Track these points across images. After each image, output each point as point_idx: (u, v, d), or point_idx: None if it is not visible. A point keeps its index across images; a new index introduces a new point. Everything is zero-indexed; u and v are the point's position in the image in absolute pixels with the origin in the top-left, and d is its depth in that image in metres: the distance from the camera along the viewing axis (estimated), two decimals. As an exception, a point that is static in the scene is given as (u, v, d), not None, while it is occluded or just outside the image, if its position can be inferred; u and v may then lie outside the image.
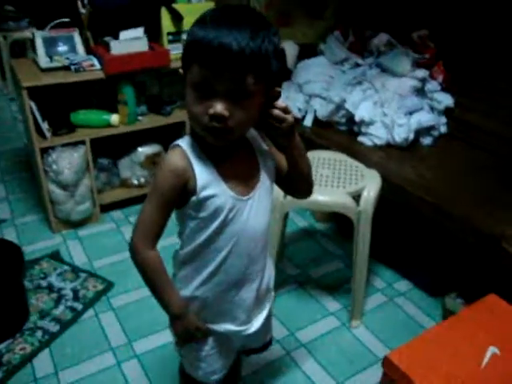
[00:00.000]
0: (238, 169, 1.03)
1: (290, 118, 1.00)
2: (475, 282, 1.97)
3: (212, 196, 0.99)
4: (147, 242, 1.02)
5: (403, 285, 2.22)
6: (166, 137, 2.65)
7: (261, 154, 1.09)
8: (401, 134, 2.17)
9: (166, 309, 1.10)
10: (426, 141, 2.31)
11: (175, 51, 2.41)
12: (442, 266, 2.13)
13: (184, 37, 2.43)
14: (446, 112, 2.40)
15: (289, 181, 1.15)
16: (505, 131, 2.23)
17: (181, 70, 0.97)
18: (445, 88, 2.41)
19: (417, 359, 1.29)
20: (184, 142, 1.01)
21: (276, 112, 0.98)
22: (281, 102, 1.00)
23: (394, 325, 1.99)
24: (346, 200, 1.73)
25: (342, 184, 1.80)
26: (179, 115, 2.58)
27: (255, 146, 1.09)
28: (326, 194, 1.73)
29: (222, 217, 1.01)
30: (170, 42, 2.43)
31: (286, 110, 0.99)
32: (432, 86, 2.36)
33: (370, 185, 1.80)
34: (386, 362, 1.31)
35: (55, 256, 2.29)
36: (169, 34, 2.42)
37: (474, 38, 2.35)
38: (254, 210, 1.06)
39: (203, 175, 0.98)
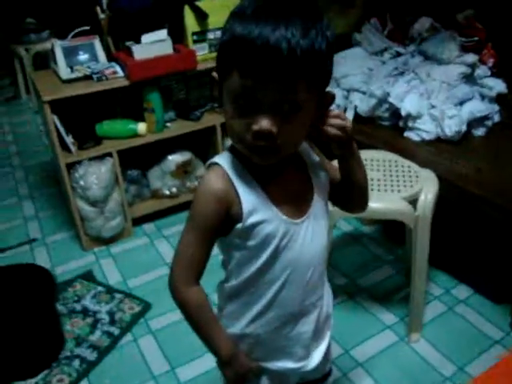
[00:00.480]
0: (289, 187, 0.89)
1: (349, 124, 0.85)
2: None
3: (261, 222, 0.84)
4: (188, 278, 0.88)
5: (462, 290, 2.02)
6: (196, 143, 2.52)
7: (312, 167, 0.94)
8: (452, 127, 1.98)
9: (214, 352, 0.95)
10: (479, 132, 2.11)
11: (201, 52, 2.27)
12: (506, 271, 1.93)
13: (210, 35, 2.29)
14: (498, 98, 2.19)
15: (342, 194, 1.00)
16: None
17: (215, 74, 0.82)
18: (495, 72, 2.20)
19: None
20: (223, 160, 0.86)
21: (334, 121, 0.84)
22: (334, 109, 0.86)
23: (458, 336, 1.81)
24: (403, 206, 1.55)
25: (396, 188, 1.62)
26: (209, 119, 2.43)
27: (305, 157, 0.94)
28: (380, 200, 1.56)
29: (273, 245, 0.86)
30: (195, 42, 2.29)
31: (341, 117, 0.85)
32: (482, 71, 2.16)
33: (427, 187, 1.63)
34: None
35: (88, 276, 2.18)
36: (194, 33, 2.27)
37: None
38: (310, 233, 0.91)
39: (249, 198, 0.84)
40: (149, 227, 2.52)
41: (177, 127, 2.40)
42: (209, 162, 0.89)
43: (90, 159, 2.20)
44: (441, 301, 1.97)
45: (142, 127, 2.27)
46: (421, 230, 1.62)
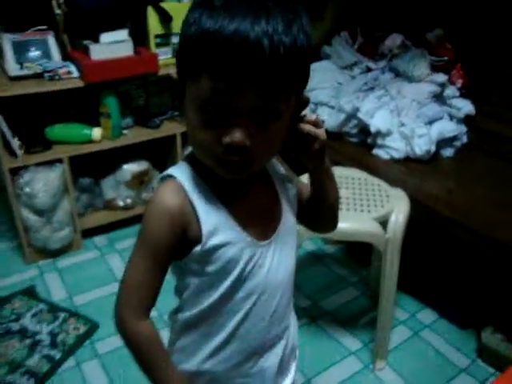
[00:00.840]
0: (255, 204, 0.78)
1: (323, 133, 0.75)
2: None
3: (223, 244, 0.72)
4: (137, 311, 0.74)
5: (428, 315, 1.96)
6: (154, 152, 2.39)
7: (279, 181, 0.83)
8: (422, 146, 1.93)
9: None
10: (447, 152, 2.07)
11: (164, 56, 2.14)
12: (473, 296, 1.88)
13: (174, 40, 2.17)
14: (466, 120, 2.16)
15: (311, 212, 0.89)
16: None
17: (173, 74, 0.70)
18: (464, 93, 2.17)
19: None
20: (180, 172, 0.74)
21: (307, 128, 0.74)
22: (309, 114, 0.75)
23: (423, 364, 1.74)
24: (374, 228, 1.47)
25: (365, 207, 1.54)
26: (169, 128, 2.30)
27: (271, 170, 0.83)
28: (349, 220, 1.47)
29: (237, 271, 0.74)
30: (158, 45, 2.16)
31: (317, 124, 0.75)
32: (451, 91, 2.12)
33: (398, 207, 1.55)
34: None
35: (29, 292, 1.98)
36: (157, 36, 2.15)
37: (494, 37, 2.12)
38: (278, 256, 0.80)
39: (210, 217, 0.72)
40: (100, 240, 2.35)
41: (134, 135, 2.25)
42: (162, 175, 0.76)
43: (38, 165, 2.02)
44: (406, 325, 1.90)
45: (96, 133, 2.11)
46: (391, 253, 1.54)
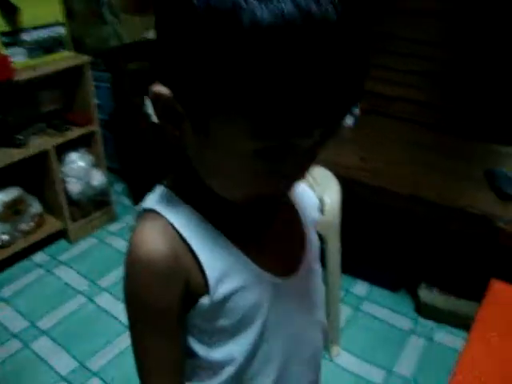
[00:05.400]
0: (274, 233, 0.59)
1: None
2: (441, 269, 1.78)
3: (237, 290, 0.54)
4: None
5: (361, 287, 1.95)
6: (26, 174, 2.01)
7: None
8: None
9: None
10: (349, 121, 2.04)
11: (18, 58, 1.76)
12: (400, 258, 1.90)
13: (25, 37, 1.79)
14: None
15: None
16: (419, 96, 2.07)
17: (163, 92, 0.47)
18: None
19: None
20: (163, 203, 0.53)
21: None
22: None
23: (373, 337, 1.73)
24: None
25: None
26: (39, 143, 1.94)
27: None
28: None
29: (259, 321, 0.56)
30: (7, 45, 1.77)
31: None
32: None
33: (329, 188, 1.46)
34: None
35: None
36: (2, 34, 1.76)
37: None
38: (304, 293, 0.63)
39: (214, 260, 0.53)
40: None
41: (-5, 157, 1.85)
42: (139, 209, 0.55)
43: None
44: (345, 303, 1.86)
45: None
46: (332, 236, 1.46)
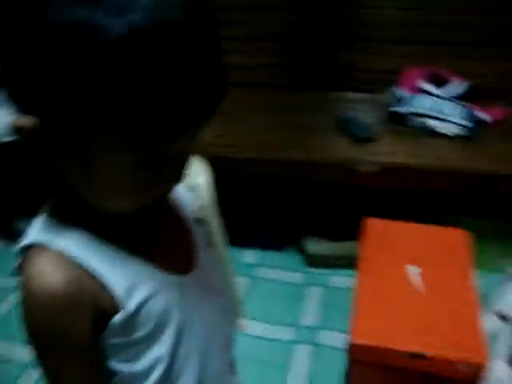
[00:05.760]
0: (169, 234, 0.60)
1: None
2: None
3: (147, 299, 0.53)
4: None
5: (249, 254, 1.99)
6: None
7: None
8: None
9: None
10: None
11: None
12: (279, 217, 1.98)
13: None
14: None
15: None
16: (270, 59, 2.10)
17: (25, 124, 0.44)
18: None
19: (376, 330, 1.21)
20: (48, 233, 0.50)
21: None
22: None
23: (276, 300, 1.79)
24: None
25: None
26: None
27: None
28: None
29: (173, 323, 0.56)
30: None
31: None
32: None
33: (198, 174, 1.45)
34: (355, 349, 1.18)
35: None
36: None
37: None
38: (209, 287, 0.63)
39: (118, 276, 0.51)
40: None
41: None
42: (21, 247, 0.51)
43: None
44: (240, 274, 1.88)
45: None
46: (210, 216, 1.45)
